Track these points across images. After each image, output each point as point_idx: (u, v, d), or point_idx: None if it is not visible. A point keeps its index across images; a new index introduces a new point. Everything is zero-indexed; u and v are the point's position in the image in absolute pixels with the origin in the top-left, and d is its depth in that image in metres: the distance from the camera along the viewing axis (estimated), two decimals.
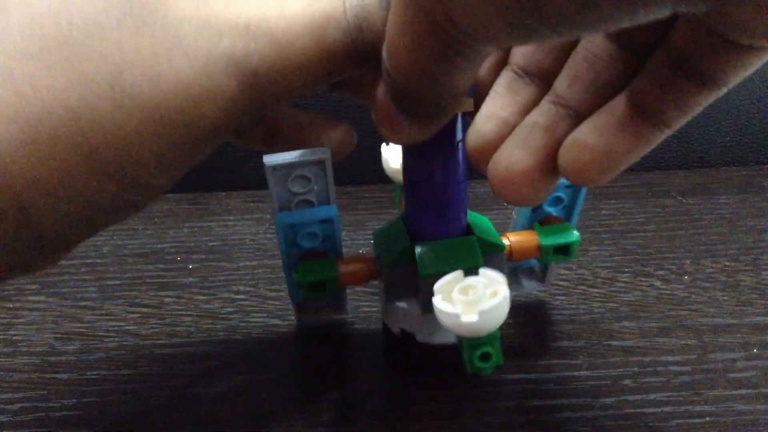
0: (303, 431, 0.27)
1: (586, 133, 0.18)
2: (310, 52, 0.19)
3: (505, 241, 0.28)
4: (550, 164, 0.19)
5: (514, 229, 0.29)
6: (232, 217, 0.42)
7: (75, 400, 0.28)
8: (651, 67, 0.18)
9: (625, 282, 0.35)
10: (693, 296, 0.34)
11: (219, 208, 0.43)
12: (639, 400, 0.28)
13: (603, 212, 0.42)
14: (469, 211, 0.27)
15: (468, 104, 0.22)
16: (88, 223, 0.19)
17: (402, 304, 0.27)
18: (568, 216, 0.29)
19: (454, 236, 0.26)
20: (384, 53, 0.17)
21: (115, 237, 0.41)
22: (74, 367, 0.30)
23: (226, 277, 0.37)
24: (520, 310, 0.33)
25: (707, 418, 0.27)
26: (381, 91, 0.19)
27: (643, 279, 0.36)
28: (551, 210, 0.29)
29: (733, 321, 0.32)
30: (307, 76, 0.19)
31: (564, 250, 0.28)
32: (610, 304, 0.34)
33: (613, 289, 0.35)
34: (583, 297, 0.34)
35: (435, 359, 0.28)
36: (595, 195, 0.45)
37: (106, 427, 0.27)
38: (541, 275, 0.32)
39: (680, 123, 0.18)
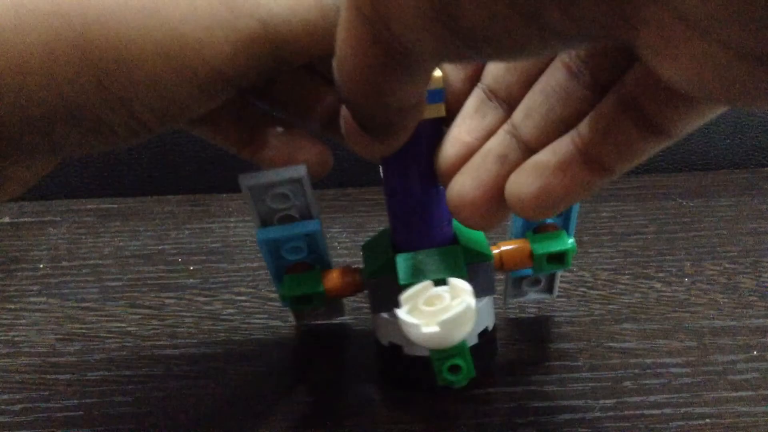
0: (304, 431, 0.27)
1: (527, 170, 0.19)
2: (314, 13, 0.19)
3: (496, 251, 0.27)
4: (498, 195, 0.19)
5: (510, 238, 0.29)
6: (233, 219, 0.42)
7: (76, 401, 0.29)
8: (600, 107, 0.18)
9: (625, 284, 0.35)
10: (693, 298, 0.34)
11: (220, 210, 0.43)
12: (639, 401, 0.28)
13: (603, 214, 0.42)
14: None
15: (436, 110, 0.22)
16: (47, 127, 0.18)
17: (387, 316, 0.27)
18: (565, 224, 0.28)
19: (437, 246, 0.26)
20: (333, 65, 0.17)
21: (116, 238, 0.41)
22: (75, 367, 0.31)
23: (227, 278, 0.37)
24: (520, 312, 0.33)
25: (707, 420, 0.27)
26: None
27: (644, 281, 0.36)
28: (551, 219, 0.28)
29: (734, 323, 0.32)
30: (312, 46, 0.19)
31: (558, 259, 0.27)
32: (611, 306, 0.34)
33: (613, 291, 0.35)
34: (584, 299, 0.34)
35: (425, 371, 0.27)
36: (595, 197, 0.45)
37: (107, 427, 0.27)
38: (547, 285, 0.32)
39: (623, 169, 0.18)
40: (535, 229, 0.28)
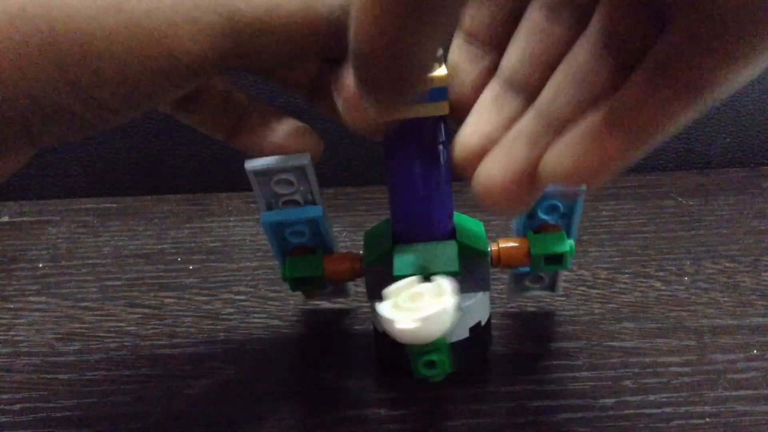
0: (304, 431, 0.27)
1: (564, 144, 0.18)
2: (295, 16, 0.20)
3: (494, 248, 0.27)
4: (529, 177, 0.19)
5: (513, 236, 0.29)
6: (232, 218, 0.42)
7: (75, 401, 0.28)
8: (634, 78, 0.18)
9: (625, 283, 0.35)
10: (693, 297, 0.34)
11: (219, 209, 0.43)
12: (639, 401, 0.28)
13: (603, 213, 0.42)
14: (461, 215, 0.27)
15: (440, 107, 0.22)
16: (25, 124, 0.19)
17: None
18: (567, 225, 0.28)
19: (436, 240, 0.26)
20: (351, 14, 0.16)
21: (115, 238, 0.41)
22: (75, 367, 0.30)
23: (227, 277, 0.37)
24: (519, 311, 0.33)
25: (707, 419, 0.27)
26: (347, 73, 0.20)
27: (643, 280, 0.36)
28: (547, 218, 0.28)
29: (733, 322, 0.32)
30: (290, 40, 0.20)
31: (557, 260, 0.27)
32: (610, 305, 0.34)
33: (613, 290, 0.35)
34: (583, 298, 0.34)
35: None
36: (595, 196, 0.45)
37: (107, 427, 0.27)
38: (550, 283, 0.32)
39: (657, 139, 0.18)
40: (536, 229, 0.28)
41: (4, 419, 0.28)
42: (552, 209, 0.28)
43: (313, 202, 0.27)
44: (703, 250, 0.38)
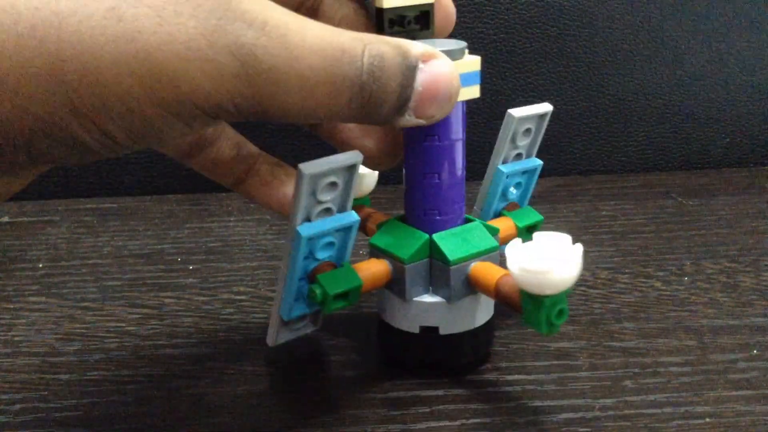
0: (304, 431, 0.27)
1: None
2: (317, 72, 0.19)
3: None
4: None
5: (485, 219, 0.32)
6: (232, 218, 0.42)
7: (75, 401, 0.28)
8: None
9: (625, 283, 0.35)
10: (693, 297, 0.34)
11: (219, 209, 0.43)
12: (639, 401, 0.28)
13: (603, 213, 0.42)
14: None
15: (472, 92, 0.25)
16: (26, 144, 0.19)
17: (425, 299, 0.28)
18: (522, 200, 0.33)
19: (459, 225, 0.28)
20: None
21: (115, 238, 0.41)
22: (75, 367, 0.30)
23: (227, 277, 0.37)
24: None
25: (707, 419, 0.27)
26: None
27: (643, 280, 0.36)
28: (513, 197, 0.32)
29: (733, 322, 0.32)
30: (311, 96, 0.19)
31: (533, 230, 0.31)
32: (611, 305, 0.34)
33: (613, 290, 0.35)
34: (584, 298, 0.34)
35: (460, 348, 0.29)
36: (594, 196, 0.45)
37: (107, 427, 0.27)
38: None
39: None
40: (506, 208, 0.32)
41: (4, 419, 0.28)
42: (517, 186, 0.32)
43: (345, 209, 0.26)
44: (703, 250, 0.38)
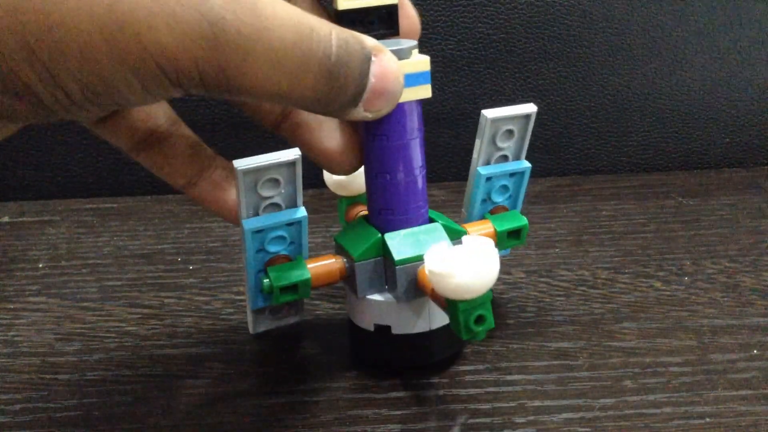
0: (304, 431, 0.27)
1: None
2: (287, 46, 0.19)
3: (468, 229, 0.30)
4: None
5: (467, 221, 0.31)
6: None
7: (76, 401, 0.28)
8: None
9: (625, 283, 0.35)
10: (693, 297, 0.34)
11: None
12: (639, 401, 0.28)
13: (603, 213, 0.42)
14: (429, 210, 0.28)
15: (424, 91, 0.25)
16: None
17: (376, 298, 0.28)
18: (513, 204, 0.32)
19: (420, 225, 0.28)
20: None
21: (115, 238, 0.41)
22: (75, 367, 0.31)
23: (227, 277, 0.37)
24: (519, 311, 0.33)
25: (707, 419, 0.27)
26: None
27: (644, 280, 0.36)
28: (500, 200, 0.31)
29: (734, 322, 0.32)
30: (276, 71, 0.19)
31: (516, 235, 0.31)
32: (611, 305, 0.34)
33: (613, 290, 0.35)
34: (584, 298, 0.34)
35: (414, 349, 0.29)
36: (595, 196, 0.45)
37: (107, 427, 0.27)
38: None
39: None
40: (491, 212, 0.31)
41: (4, 419, 0.28)
42: (504, 189, 0.31)
43: (294, 205, 0.27)
44: (703, 250, 0.38)
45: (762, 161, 0.50)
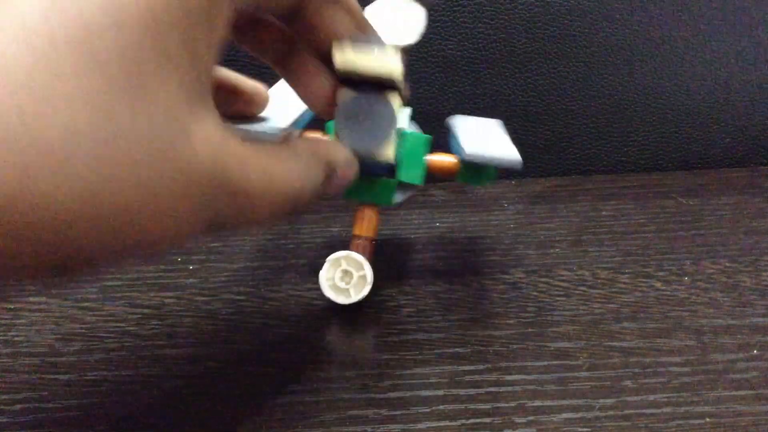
0: (304, 431, 0.27)
1: None
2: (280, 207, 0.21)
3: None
4: None
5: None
6: None
7: (76, 401, 0.28)
8: None
9: (625, 283, 0.35)
10: (693, 297, 0.34)
11: None
12: (639, 401, 0.28)
13: (603, 213, 0.42)
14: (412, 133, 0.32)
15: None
16: None
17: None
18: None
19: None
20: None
21: None
22: (75, 367, 0.30)
23: (227, 278, 0.37)
24: (519, 311, 0.33)
25: (707, 419, 0.27)
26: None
27: (644, 280, 0.36)
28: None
29: (734, 322, 0.32)
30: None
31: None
32: (611, 305, 0.34)
33: (613, 290, 0.35)
34: (584, 298, 0.34)
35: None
36: (595, 196, 0.45)
37: (107, 427, 0.27)
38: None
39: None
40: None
41: (5, 419, 0.28)
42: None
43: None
44: (704, 250, 0.38)
45: (762, 161, 0.50)
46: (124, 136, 0.15)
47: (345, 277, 0.32)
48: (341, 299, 0.32)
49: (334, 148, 0.25)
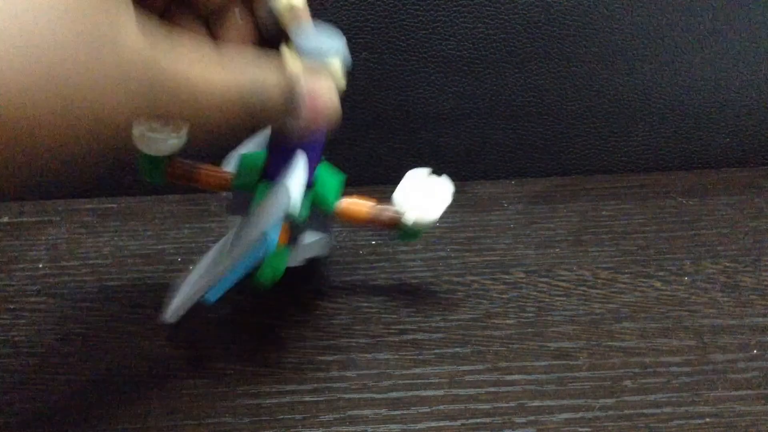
0: (304, 431, 0.27)
1: None
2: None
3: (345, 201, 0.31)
4: None
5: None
6: None
7: (76, 401, 0.28)
8: None
9: (625, 283, 0.35)
10: (693, 297, 0.34)
11: (219, 209, 0.43)
12: (639, 400, 0.28)
13: (603, 213, 0.42)
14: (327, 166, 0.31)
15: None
16: None
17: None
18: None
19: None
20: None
21: (115, 238, 0.41)
22: (75, 367, 0.30)
23: None
24: (519, 311, 0.33)
25: (707, 419, 0.27)
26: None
27: (644, 280, 0.36)
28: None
29: (733, 322, 0.32)
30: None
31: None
32: (611, 305, 0.34)
33: (613, 290, 0.35)
34: (584, 298, 0.34)
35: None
36: (594, 196, 0.45)
37: (107, 427, 0.27)
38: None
39: None
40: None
41: (4, 419, 0.28)
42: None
43: None
44: (704, 250, 0.38)
45: (762, 161, 0.50)
46: (73, 31, 0.18)
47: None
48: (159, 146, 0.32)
49: (299, 65, 0.25)
